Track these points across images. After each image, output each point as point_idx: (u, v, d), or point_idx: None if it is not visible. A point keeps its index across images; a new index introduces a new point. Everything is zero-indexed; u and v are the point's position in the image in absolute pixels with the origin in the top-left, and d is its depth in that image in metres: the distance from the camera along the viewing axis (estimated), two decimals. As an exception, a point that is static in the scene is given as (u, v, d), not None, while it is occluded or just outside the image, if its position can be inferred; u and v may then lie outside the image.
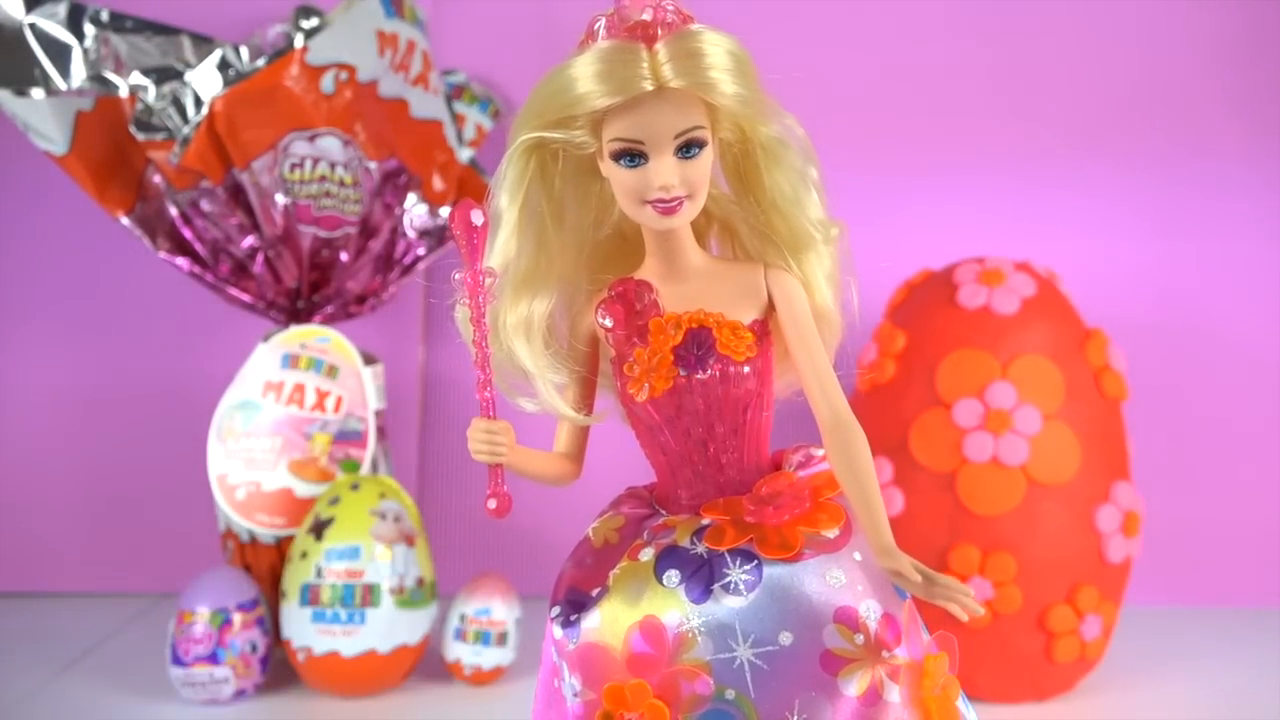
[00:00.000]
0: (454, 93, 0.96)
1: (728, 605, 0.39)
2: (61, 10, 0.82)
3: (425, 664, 0.80)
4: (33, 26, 0.81)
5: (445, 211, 0.93)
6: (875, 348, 0.82)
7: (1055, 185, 1.00)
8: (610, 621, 0.40)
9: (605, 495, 0.47)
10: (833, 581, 0.39)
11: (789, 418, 0.46)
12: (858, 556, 0.40)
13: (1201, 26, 0.99)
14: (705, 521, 0.41)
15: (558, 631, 0.42)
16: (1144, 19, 0.99)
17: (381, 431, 0.88)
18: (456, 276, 0.39)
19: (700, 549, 0.40)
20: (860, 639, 0.38)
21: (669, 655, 0.39)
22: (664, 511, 0.44)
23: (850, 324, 0.45)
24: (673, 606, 0.39)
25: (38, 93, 0.80)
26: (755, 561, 0.39)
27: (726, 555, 0.39)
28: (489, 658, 0.77)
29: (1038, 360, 0.76)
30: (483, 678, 0.78)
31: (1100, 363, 0.78)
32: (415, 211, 0.92)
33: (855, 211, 0.97)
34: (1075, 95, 1.00)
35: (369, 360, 0.86)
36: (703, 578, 0.39)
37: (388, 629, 0.74)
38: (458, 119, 0.94)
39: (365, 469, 0.84)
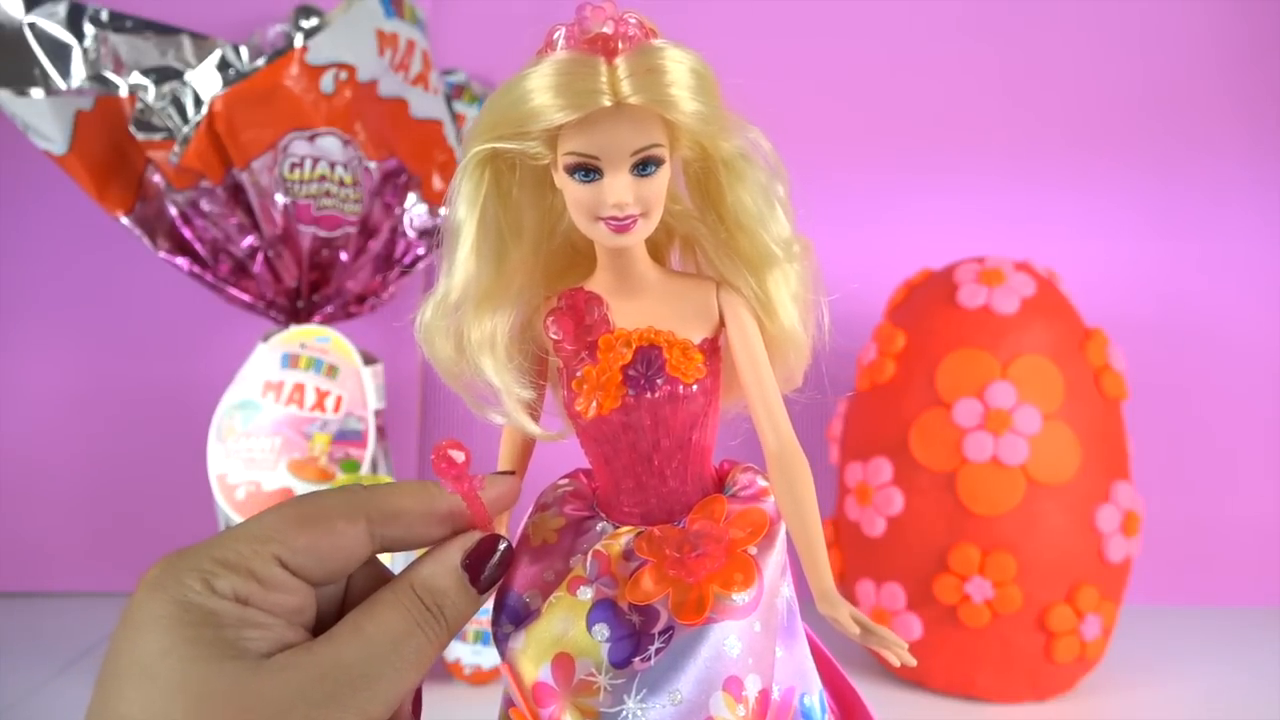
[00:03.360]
0: (454, 92, 0.96)
1: (636, 669, 0.39)
2: (61, 10, 0.82)
3: (425, 664, 0.80)
4: (32, 26, 0.81)
5: (445, 212, 0.93)
6: (875, 348, 0.82)
7: (1055, 185, 1.00)
8: (532, 647, 0.40)
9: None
10: (729, 649, 0.38)
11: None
12: (757, 627, 0.39)
13: (1202, 26, 0.99)
14: (633, 550, 0.41)
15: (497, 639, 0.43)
16: (1144, 18, 0.99)
17: (381, 431, 0.88)
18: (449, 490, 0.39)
19: (634, 618, 0.40)
20: (741, 711, 0.38)
21: (569, 692, 0.39)
22: (604, 516, 0.43)
23: (820, 345, 0.43)
24: (589, 655, 0.39)
25: (37, 92, 0.80)
26: (670, 633, 0.39)
27: (656, 634, 0.39)
28: (489, 658, 0.77)
29: (1038, 360, 0.76)
30: (483, 678, 0.78)
31: (1100, 363, 0.78)
32: (415, 211, 0.92)
33: (855, 211, 0.98)
34: (1076, 95, 1.00)
35: (369, 360, 0.86)
36: (628, 647, 0.39)
37: (387, 629, 0.74)
38: (458, 119, 0.94)
39: (365, 469, 0.84)
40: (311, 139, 0.83)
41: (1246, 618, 0.95)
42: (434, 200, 0.92)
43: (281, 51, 0.81)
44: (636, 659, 0.39)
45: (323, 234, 0.85)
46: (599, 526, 0.43)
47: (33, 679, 0.80)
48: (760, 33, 0.99)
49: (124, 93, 0.83)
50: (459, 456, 0.38)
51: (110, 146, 0.84)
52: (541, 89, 0.37)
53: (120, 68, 0.83)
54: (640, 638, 0.39)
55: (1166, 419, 0.97)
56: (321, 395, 0.83)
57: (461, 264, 0.41)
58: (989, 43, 1.00)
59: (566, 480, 0.46)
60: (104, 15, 0.83)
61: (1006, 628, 0.74)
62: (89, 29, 0.82)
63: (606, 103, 0.37)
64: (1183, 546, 0.98)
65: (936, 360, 0.77)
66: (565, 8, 0.41)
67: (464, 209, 0.41)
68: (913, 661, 0.40)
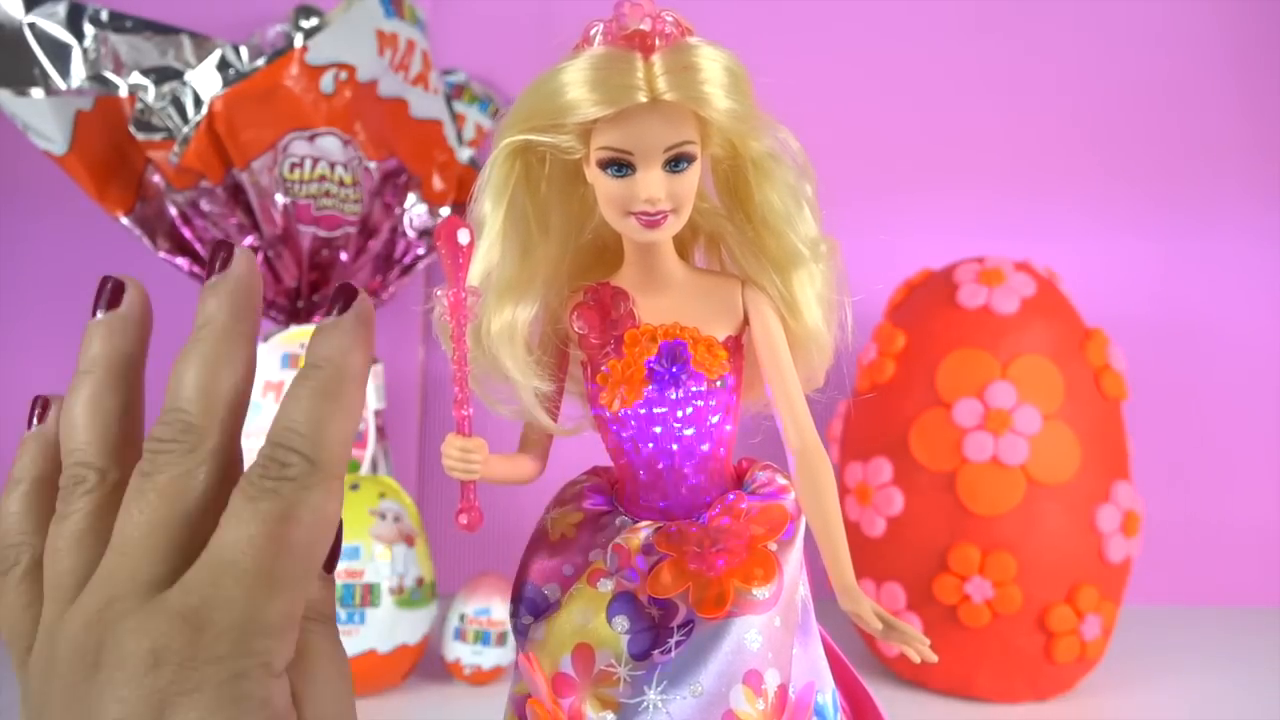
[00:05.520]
0: (454, 92, 0.96)
1: (656, 661, 0.39)
2: (61, 10, 0.82)
3: (425, 664, 0.80)
4: (32, 26, 0.81)
5: (445, 211, 0.93)
6: (875, 348, 0.82)
7: (1055, 185, 1.00)
8: (552, 638, 0.41)
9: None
10: (750, 643, 0.39)
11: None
12: (777, 623, 0.39)
13: (1203, 26, 0.99)
14: (654, 544, 0.41)
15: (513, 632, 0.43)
16: (1145, 21, 0.99)
17: (381, 431, 0.88)
18: (438, 293, 0.38)
19: (653, 612, 0.40)
20: (760, 705, 0.38)
21: (589, 683, 0.40)
22: (623, 510, 0.44)
23: (843, 345, 0.44)
24: (609, 646, 0.40)
25: (37, 92, 0.80)
26: (690, 626, 0.39)
27: (675, 628, 0.40)
28: (489, 658, 0.77)
29: (1038, 360, 0.76)
30: (483, 678, 0.78)
31: (1100, 363, 0.78)
32: (415, 211, 0.92)
33: (855, 211, 0.97)
34: (1076, 95, 1.00)
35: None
36: (648, 640, 0.40)
37: (387, 629, 0.74)
38: (458, 119, 0.94)
39: (365, 469, 0.84)
40: (311, 139, 0.83)
41: (1246, 618, 0.95)
42: (434, 200, 0.92)
43: (281, 51, 0.81)
44: (656, 651, 0.39)
45: (323, 234, 0.85)
46: (618, 521, 0.43)
47: (33, 679, 0.80)
48: (761, 38, 0.99)
49: (124, 93, 0.83)
50: (464, 237, 0.37)
51: (110, 146, 0.84)
52: (577, 83, 0.38)
53: (120, 68, 0.83)
54: (659, 631, 0.40)
55: (1166, 419, 0.97)
56: (321, 395, 0.83)
57: (485, 254, 0.41)
58: (990, 43, 1.00)
59: (586, 476, 0.46)
60: (104, 15, 0.83)
61: (1006, 628, 0.74)
62: (89, 29, 0.82)
63: (642, 99, 0.38)
64: (1183, 546, 0.98)
65: (936, 360, 0.77)
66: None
67: (491, 200, 0.41)
68: (934, 658, 0.40)
